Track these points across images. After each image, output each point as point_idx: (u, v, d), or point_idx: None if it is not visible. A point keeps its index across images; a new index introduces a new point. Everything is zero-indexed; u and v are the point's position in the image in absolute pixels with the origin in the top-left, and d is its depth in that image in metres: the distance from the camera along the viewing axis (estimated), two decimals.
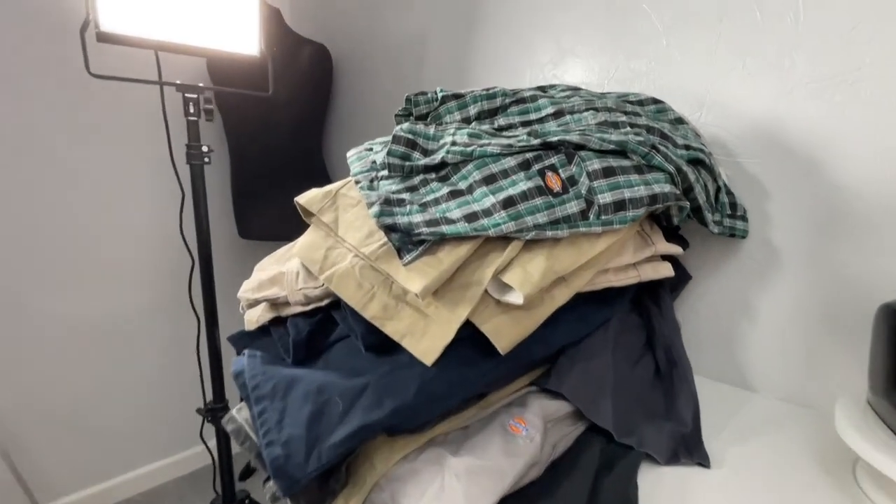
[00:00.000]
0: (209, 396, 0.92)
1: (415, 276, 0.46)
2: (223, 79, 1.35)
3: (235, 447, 0.85)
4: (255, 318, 0.58)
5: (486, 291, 0.48)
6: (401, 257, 0.48)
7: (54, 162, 1.09)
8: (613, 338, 0.59)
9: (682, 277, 0.73)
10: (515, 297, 0.47)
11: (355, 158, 0.60)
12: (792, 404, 0.66)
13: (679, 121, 0.65)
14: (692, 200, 0.58)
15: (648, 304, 0.66)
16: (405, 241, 0.48)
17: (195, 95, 0.77)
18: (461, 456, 0.48)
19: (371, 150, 0.61)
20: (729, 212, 0.67)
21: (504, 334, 0.48)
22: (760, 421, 0.62)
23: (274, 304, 0.56)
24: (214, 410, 0.86)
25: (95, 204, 1.18)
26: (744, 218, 0.67)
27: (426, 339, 0.47)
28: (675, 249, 0.60)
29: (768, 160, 0.66)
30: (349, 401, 0.46)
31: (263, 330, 0.60)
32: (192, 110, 0.77)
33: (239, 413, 0.55)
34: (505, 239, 0.49)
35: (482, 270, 0.48)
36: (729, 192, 0.68)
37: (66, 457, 1.39)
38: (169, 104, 0.82)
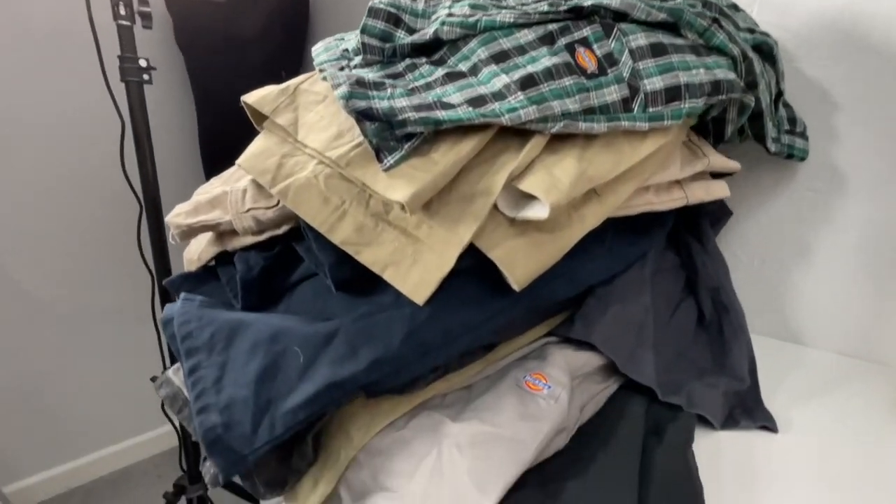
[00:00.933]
0: (169, 363, 0.81)
1: (398, 183, 0.34)
2: (186, 16, 1.18)
3: None
4: (195, 254, 0.45)
5: (495, 207, 0.36)
6: (380, 160, 0.35)
7: None
8: (650, 277, 0.48)
9: (721, 213, 0.61)
10: (538, 211, 0.34)
11: (322, 49, 0.46)
12: (857, 359, 0.56)
13: (734, 7, 0.52)
14: (756, 102, 0.46)
15: (688, 239, 0.54)
16: (385, 138, 0.35)
17: None
18: (465, 421, 0.36)
19: (342, 39, 0.47)
20: (787, 127, 0.54)
21: (520, 263, 0.36)
22: (823, 378, 0.51)
23: (218, 233, 0.43)
24: None
25: (18, 135, 1.02)
26: (804, 135, 0.55)
27: (416, 271, 0.35)
28: (732, 164, 0.48)
29: (838, 63, 0.54)
30: (313, 351, 0.34)
31: (210, 272, 0.48)
32: (122, 12, 0.62)
33: (176, 374, 0.43)
34: (521, 135, 0.36)
35: (491, 177, 0.35)
36: (786, 105, 0.56)
37: (24, 438, 1.28)
38: (98, 8, 0.66)
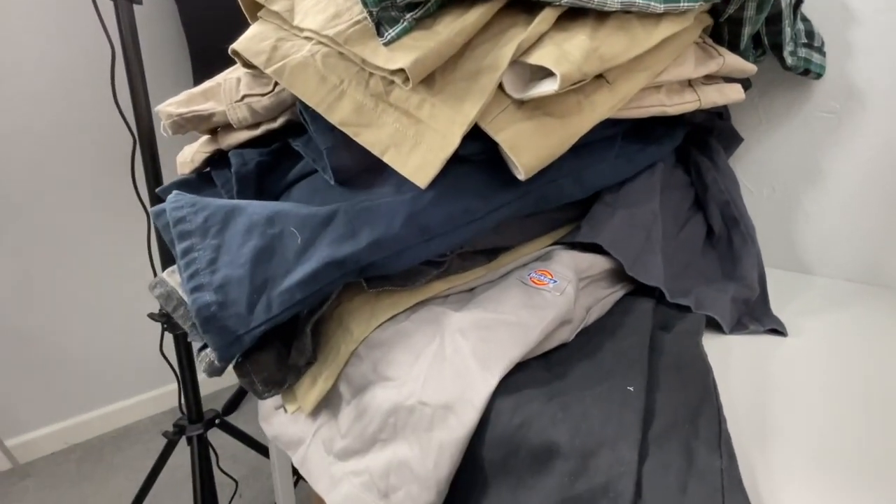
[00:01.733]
0: None
1: (400, 53, 0.32)
2: None
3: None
4: (189, 156, 0.43)
5: (502, 90, 0.34)
6: (380, 34, 0.33)
7: None
8: (659, 189, 0.46)
9: (731, 139, 0.59)
10: (548, 86, 0.32)
11: None
12: (866, 284, 0.55)
13: None
14: (775, 3, 0.44)
15: (698, 158, 0.52)
16: (386, 8, 0.33)
17: None
18: (468, 310, 0.35)
19: None
20: (805, 40, 0.52)
21: (527, 148, 0.34)
22: (831, 300, 0.50)
23: (212, 130, 0.42)
24: (169, 315, 0.73)
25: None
26: (821, 51, 0.53)
27: (418, 152, 0.33)
28: (748, 66, 0.46)
29: None
30: (311, 232, 0.33)
31: (205, 178, 0.46)
32: None
33: (170, 276, 0.41)
34: (529, 12, 0.34)
35: (498, 51, 0.33)
36: (805, 19, 0.53)
37: (27, 392, 1.28)
38: None
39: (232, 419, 1.21)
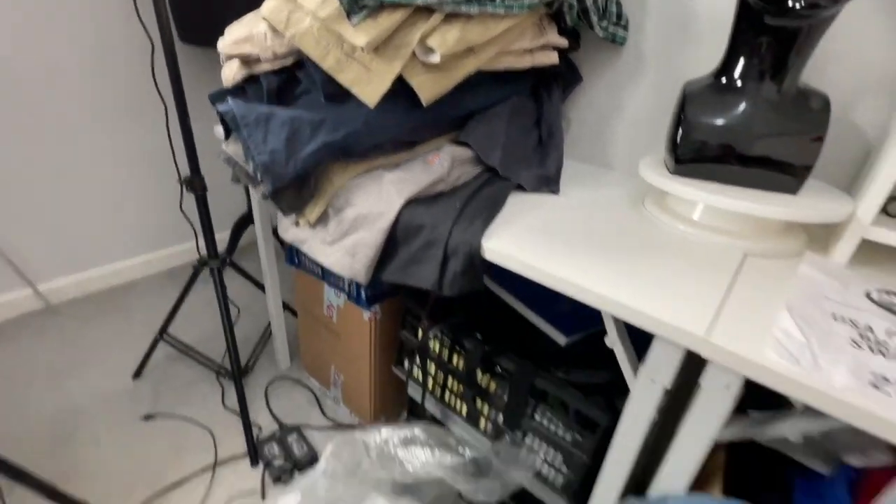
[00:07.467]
0: (183, 173, 1.07)
1: (360, 34, 0.62)
2: None
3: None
4: (230, 75, 0.72)
5: (413, 54, 0.65)
6: (349, 19, 0.63)
7: None
8: (510, 112, 0.80)
9: (574, 78, 0.93)
10: (435, 58, 0.64)
11: None
12: (633, 176, 0.94)
13: None
14: (580, 1, 0.75)
15: (542, 94, 0.86)
16: (353, 6, 0.62)
17: None
18: (394, 172, 0.70)
19: None
20: (615, 20, 0.84)
21: (426, 88, 0.67)
22: (604, 183, 0.89)
23: (246, 61, 0.70)
24: (191, 181, 1.03)
25: None
26: (625, 27, 0.85)
27: (370, 87, 0.65)
28: (561, 41, 0.79)
29: None
30: (314, 128, 0.65)
31: (239, 89, 0.75)
32: None
33: (227, 147, 0.73)
34: (430, 12, 0.64)
35: (412, 35, 0.64)
36: (617, 3, 0.84)
37: (51, 245, 1.55)
38: None
39: None
